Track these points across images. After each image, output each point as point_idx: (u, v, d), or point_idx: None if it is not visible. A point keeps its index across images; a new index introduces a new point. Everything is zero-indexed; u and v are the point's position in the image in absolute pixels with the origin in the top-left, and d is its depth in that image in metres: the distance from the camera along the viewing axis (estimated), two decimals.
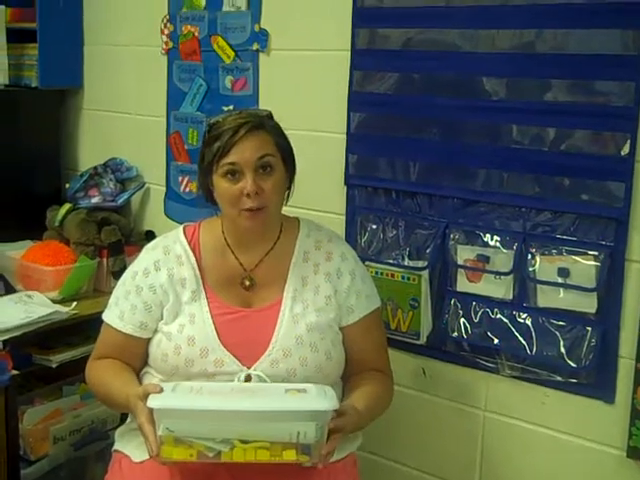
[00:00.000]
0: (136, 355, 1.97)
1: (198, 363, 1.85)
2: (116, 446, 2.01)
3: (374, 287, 2.05)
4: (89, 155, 3.13)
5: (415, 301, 2.29)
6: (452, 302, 2.25)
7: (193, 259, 1.94)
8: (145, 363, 1.99)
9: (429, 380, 2.35)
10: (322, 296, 1.94)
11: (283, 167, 1.89)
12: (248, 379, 1.84)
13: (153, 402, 1.65)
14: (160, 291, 1.93)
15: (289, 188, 1.97)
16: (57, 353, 2.52)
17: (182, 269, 1.94)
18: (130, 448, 1.90)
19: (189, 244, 1.97)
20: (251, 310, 1.93)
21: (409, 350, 2.34)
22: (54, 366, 2.49)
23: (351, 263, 2.00)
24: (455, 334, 2.24)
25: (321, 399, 1.68)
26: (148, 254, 1.99)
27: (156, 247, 2.00)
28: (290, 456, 1.65)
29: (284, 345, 1.87)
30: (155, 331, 1.94)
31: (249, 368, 1.85)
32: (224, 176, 1.85)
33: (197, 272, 1.94)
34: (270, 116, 1.91)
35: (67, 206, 2.86)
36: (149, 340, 1.95)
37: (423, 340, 2.31)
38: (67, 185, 2.97)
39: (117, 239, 2.78)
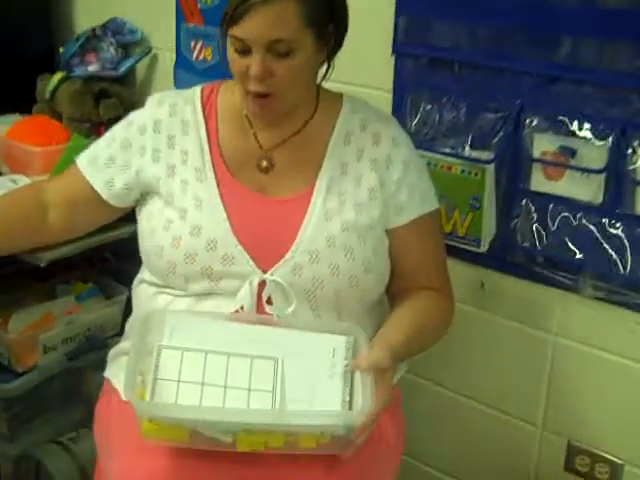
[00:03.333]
0: (82, 222, 1.69)
1: (202, 258, 1.48)
2: (107, 373, 1.67)
3: (432, 185, 1.64)
4: (87, 15, 2.65)
5: (476, 200, 1.86)
6: (524, 204, 1.82)
7: (203, 130, 1.57)
8: None
9: (488, 295, 1.96)
10: (365, 188, 1.54)
11: (314, 43, 1.45)
12: (262, 286, 1.48)
13: None
14: (149, 158, 1.57)
15: (329, 62, 1.55)
16: (47, 250, 2.14)
17: (186, 140, 1.56)
18: (121, 383, 1.54)
19: (203, 109, 1.58)
20: (272, 200, 1.54)
21: (466, 259, 1.94)
22: (43, 265, 2.11)
23: (405, 150, 1.59)
24: (525, 243, 1.83)
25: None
26: (151, 109, 1.62)
27: (162, 103, 1.61)
28: (309, 443, 1.35)
29: (311, 247, 1.48)
30: (143, 206, 1.60)
31: (265, 272, 1.48)
32: (233, 46, 1.44)
33: (205, 146, 1.56)
34: None
35: (59, 74, 2.43)
36: (108, 212, 1.64)
37: (484, 248, 1.89)
38: (60, 50, 2.53)
39: (117, 114, 2.35)
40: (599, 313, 1.79)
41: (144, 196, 1.60)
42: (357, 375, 1.40)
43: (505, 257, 1.89)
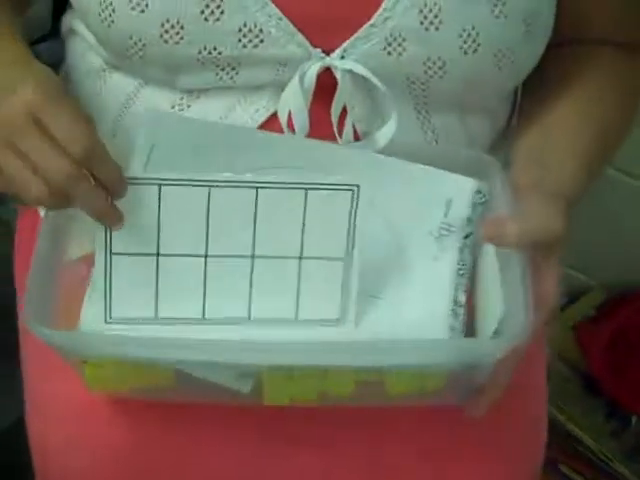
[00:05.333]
0: None
1: (196, 32, 0.71)
2: None
3: None
4: None
5: None
6: None
7: None
8: None
9: None
10: None
11: None
12: (326, 80, 0.73)
13: None
14: None
15: None
16: None
17: None
18: None
19: None
20: None
21: None
22: None
23: None
24: None
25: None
26: None
27: None
28: (403, 386, 0.68)
29: None
30: None
31: (328, 54, 0.72)
32: None
33: None
34: None
35: None
36: None
37: None
38: None
39: None
40: None
41: None
42: (489, 254, 0.69)
43: None
